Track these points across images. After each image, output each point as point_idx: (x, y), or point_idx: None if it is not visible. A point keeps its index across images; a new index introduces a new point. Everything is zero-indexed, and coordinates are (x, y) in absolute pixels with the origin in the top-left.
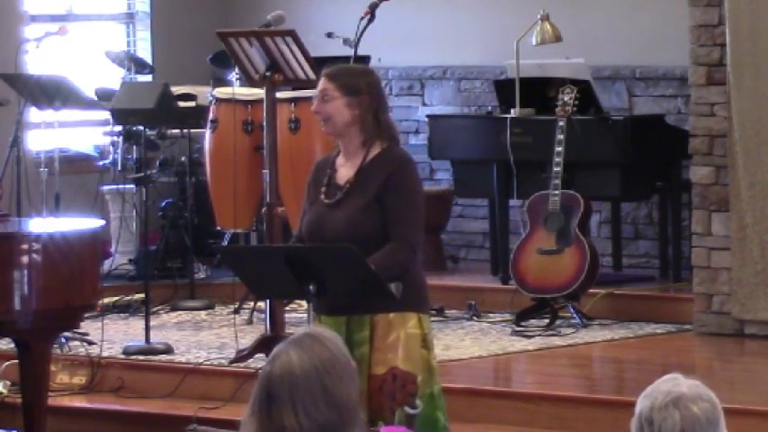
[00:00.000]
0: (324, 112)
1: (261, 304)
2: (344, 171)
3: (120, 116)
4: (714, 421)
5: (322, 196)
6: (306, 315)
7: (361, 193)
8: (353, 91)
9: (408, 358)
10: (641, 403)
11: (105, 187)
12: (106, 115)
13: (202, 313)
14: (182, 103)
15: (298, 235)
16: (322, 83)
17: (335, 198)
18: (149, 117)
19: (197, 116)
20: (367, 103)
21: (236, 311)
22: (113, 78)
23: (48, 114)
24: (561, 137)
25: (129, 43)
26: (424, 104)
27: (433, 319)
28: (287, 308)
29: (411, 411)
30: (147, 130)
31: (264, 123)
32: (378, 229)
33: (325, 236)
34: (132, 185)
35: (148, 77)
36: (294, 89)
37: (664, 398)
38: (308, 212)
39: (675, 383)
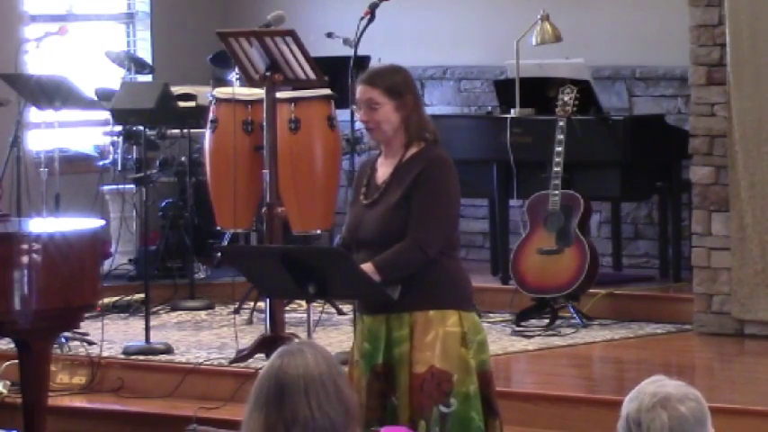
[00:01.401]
0: (373, 120)
1: (261, 304)
2: (383, 171)
3: (120, 116)
4: (701, 420)
5: (361, 197)
6: (306, 315)
7: (394, 192)
8: (398, 93)
9: (445, 356)
10: (628, 406)
11: (105, 187)
12: (106, 115)
13: (202, 313)
14: (182, 103)
15: (342, 236)
16: (364, 91)
17: (372, 198)
18: (149, 117)
19: (197, 116)
20: (411, 102)
21: (236, 311)
22: (113, 78)
23: (48, 114)
24: (561, 137)
25: (129, 43)
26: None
27: None
28: (287, 308)
29: (444, 410)
30: (147, 130)
31: (264, 123)
32: (408, 228)
33: (361, 236)
34: (132, 185)
35: (148, 77)
36: (294, 89)
37: (651, 399)
38: (349, 213)
39: (661, 384)
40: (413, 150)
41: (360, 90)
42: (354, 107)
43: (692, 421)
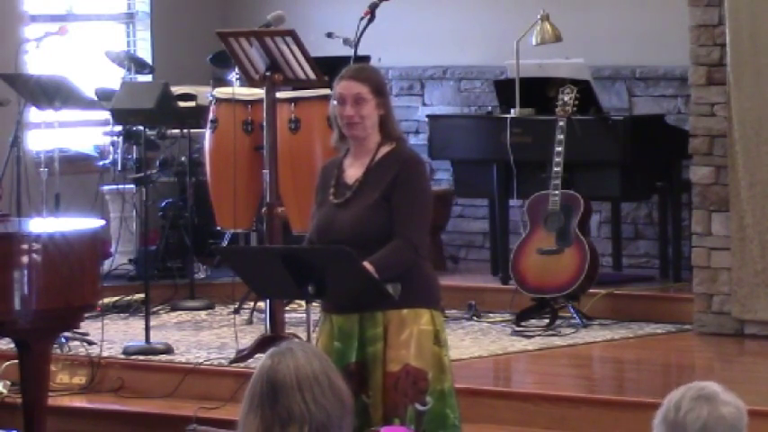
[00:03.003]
0: (359, 115)
1: (261, 304)
2: (353, 171)
3: (120, 116)
4: (737, 428)
5: (331, 197)
6: (305, 315)
7: (370, 191)
8: (381, 91)
9: (420, 355)
10: (674, 392)
11: (105, 187)
12: (106, 115)
13: (202, 313)
14: (182, 103)
15: (309, 237)
16: (352, 86)
17: (344, 197)
18: (149, 117)
19: (197, 116)
20: (388, 102)
21: (236, 311)
22: (113, 78)
23: (48, 114)
24: (561, 137)
25: (129, 43)
26: (424, 104)
27: None
28: (287, 308)
29: (420, 408)
30: (147, 130)
31: (264, 123)
32: (385, 227)
33: (333, 235)
34: (132, 185)
35: (148, 77)
36: (294, 89)
37: (698, 391)
38: (317, 214)
39: (714, 383)
40: (384, 150)
41: (346, 85)
42: (335, 102)
43: (728, 424)
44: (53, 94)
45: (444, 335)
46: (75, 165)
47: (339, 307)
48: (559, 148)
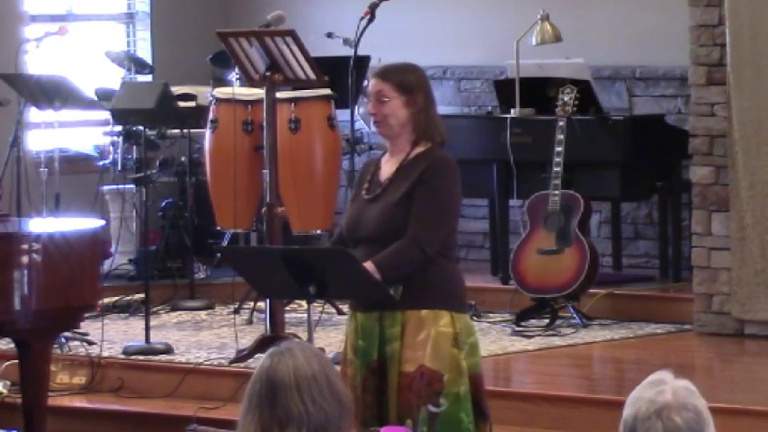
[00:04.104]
0: (380, 113)
1: (261, 304)
2: (387, 168)
3: (120, 116)
4: (698, 430)
5: (363, 192)
6: (305, 315)
7: (397, 189)
8: (408, 89)
9: (436, 356)
10: (626, 410)
11: (105, 187)
12: (106, 115)
13: (202, 313)
14: (182, 103)
15: (339, 232)
16: (375, 84)
17: (374, 194)
18: (149, 117)
19: (197, 116)
20: (421, 100)
21: (236, 311)
22: (113, 78)
23: (48, 114)
24: (561, 137)
25: (129, 43)
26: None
27: None
28: (287, 308)
29: (434, 410)
30: (147, 130)
31: (264, 123)
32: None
33: (361, 232)
34: (132, 185)
35: (148, 77)
36: (294, 89)
37: (647, 407)
38: (349, 209)
39: (660, 391)
40: (419, 149)
41: (372, 83)
42: (365, 99)
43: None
44: (53, 94)
45: (469, 338)
46: (75, 165)
47: (362, 305)
48: (559, 148)
